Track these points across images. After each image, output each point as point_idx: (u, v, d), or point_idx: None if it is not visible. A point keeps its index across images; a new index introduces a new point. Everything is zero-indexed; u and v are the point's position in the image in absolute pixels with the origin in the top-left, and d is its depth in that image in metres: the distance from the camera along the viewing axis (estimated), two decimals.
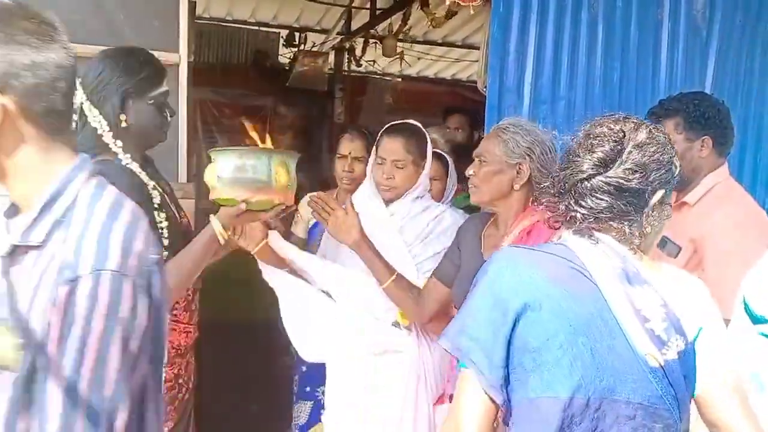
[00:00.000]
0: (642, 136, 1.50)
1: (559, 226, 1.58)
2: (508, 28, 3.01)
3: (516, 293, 1.43)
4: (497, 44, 3.00)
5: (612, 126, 1.52)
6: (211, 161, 2.05)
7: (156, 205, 2.02)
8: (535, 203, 2.15)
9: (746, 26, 3.23)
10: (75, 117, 2.01)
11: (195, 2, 6.07)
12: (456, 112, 4.51)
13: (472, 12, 3.08)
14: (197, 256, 2.03)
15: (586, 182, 1.48)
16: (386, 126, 2.70)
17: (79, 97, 2.01)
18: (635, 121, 1.55)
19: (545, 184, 1.59)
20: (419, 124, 2.71)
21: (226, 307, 4.08)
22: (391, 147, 2.60)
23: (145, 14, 2.58)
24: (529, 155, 2.21)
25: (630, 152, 1.48)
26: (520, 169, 2.21)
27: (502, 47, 3.01)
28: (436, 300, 2.43)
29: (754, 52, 3.25)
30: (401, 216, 2.64)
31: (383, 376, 2.56)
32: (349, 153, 3.08)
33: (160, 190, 2.08)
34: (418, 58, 7.93)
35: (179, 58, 2.59)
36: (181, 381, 2.19)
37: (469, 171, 2.28)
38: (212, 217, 2.04)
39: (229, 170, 2.00)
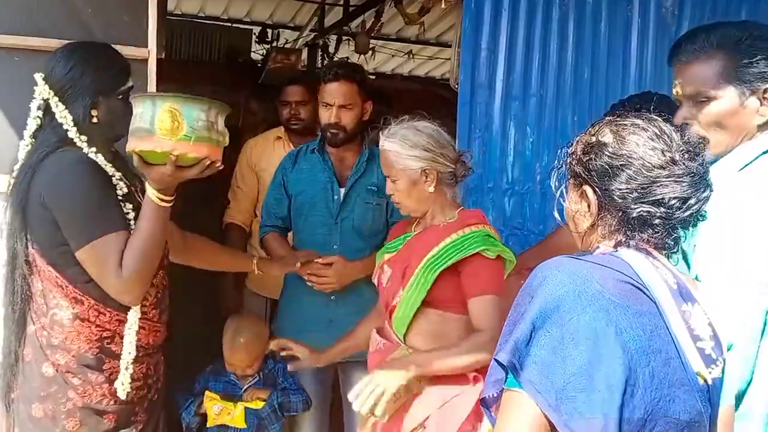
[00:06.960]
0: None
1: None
2: (479, 25, 3.03)
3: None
4: (469, 41, 3.02)
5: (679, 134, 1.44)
6: None
7: (121, 197, 2.02)
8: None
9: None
10: (39, 113, 2.02)
11: None
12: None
13: (443, 6, 3.09)
14: (144, 223, 1.97)
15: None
16: None
17: (44, 92, 2.01)
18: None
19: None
20: None
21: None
22: None
23: (114, 9, 2.54)
24: None
25: None
26: None
27: (474, 44, 3.03)
28: None
29: None
30: None
31: None
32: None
33: (127, 181, 2.08)
34: (392, 56, 7.92)
35: (148, 53, 2.55)
36: (150, 381, 2.14)
37: None
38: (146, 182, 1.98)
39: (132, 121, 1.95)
